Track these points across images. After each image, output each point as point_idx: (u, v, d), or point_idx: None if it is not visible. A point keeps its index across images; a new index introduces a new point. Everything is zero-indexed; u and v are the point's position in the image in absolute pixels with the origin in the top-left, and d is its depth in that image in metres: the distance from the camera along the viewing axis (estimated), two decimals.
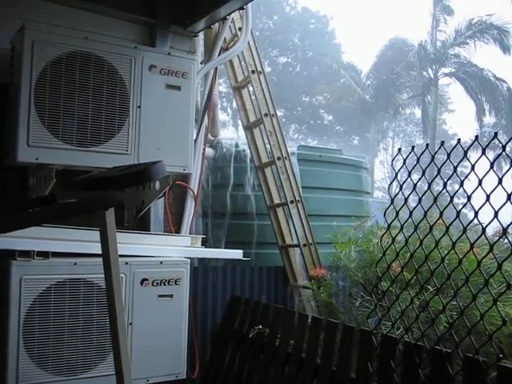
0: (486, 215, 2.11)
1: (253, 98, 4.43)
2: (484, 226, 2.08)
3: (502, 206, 1.91)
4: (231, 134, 30.34)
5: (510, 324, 2.63)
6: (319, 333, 2.94)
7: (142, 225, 3.39)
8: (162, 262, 2.96)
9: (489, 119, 28.56)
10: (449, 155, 2.15)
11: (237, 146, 4.81)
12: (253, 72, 4.28)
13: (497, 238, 2.24)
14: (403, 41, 29.49)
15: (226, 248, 4.38)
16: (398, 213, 2.52)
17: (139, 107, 3.02)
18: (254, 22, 4.34)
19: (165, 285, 2.95)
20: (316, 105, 36.23)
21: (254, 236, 4.65)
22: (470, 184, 2.13)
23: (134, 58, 3.02)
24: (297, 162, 4.73)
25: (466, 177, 2.14)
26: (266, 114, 4.25)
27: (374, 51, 31.06)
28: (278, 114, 4.41)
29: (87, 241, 2.72)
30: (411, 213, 2.44)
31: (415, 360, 2.31)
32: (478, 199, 2.09)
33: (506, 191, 1.90)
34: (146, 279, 2.89)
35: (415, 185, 2.38)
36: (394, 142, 39.73)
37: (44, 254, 2.64)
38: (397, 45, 29.55)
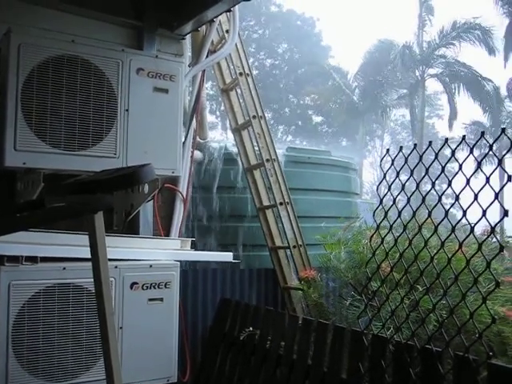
0: (473, 215, 2.12)
1: (241, 100, 4.43)
2: (472, 225, 2.10)
3: (489, 205, 1.92)
4: (220, 137, 30.33)
5: (499, 322, 2.66)
6: (310, 334, 2.95)
7: (131, 228, 3.38)
8: (151, 266, 2.95)
9: (478, 117, 28.93)
10: (436, 155, 2.16)
11: (225, 148, 4.82)
12: (240, 74, 4.29)
13: (485, 236, 2.25)
14: (390, 42, 29.64)
15: (215, 250, 4.38)
16: (386, 213, 2.53)
17: (127, 110, 3.01)
18: (241, 24, 4.35)
19: (155, 288, 2.94)
20: (304, 106, 36.29)
21: (243, 238, 4.65)
22: (458, 183, 2.15)
23: (121, 61, 3.01)
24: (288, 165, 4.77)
25: (454, 176, 2.15)
26: (254, 116, 4.26)
27: (361, 53, 31.21)
28: (266, 115, 4.42)
29: (76, 245, 2.71)
30: (400, 213, 2.45)
31: (406, 359, 2.32)
32: (465, 198, 2.11)
33: (494, 190, 1.92)
34: (136, 283, 2.88)
35: (403, 185, 2.39)
36: (383, 144, 39.92)
37: (33, 259, 2.62)
38: (383, 46, 29.68)
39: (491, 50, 26.57)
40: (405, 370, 2.31)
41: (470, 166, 2.13)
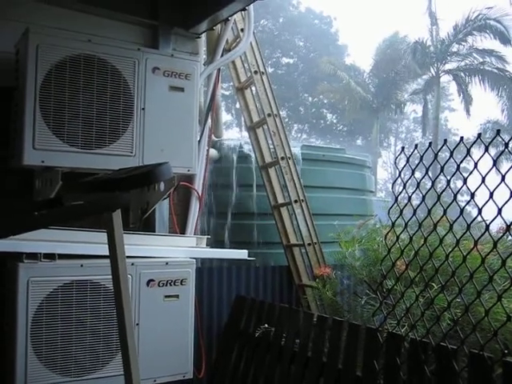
0: (489, 212, 2.11)
1: (256, 98, 4.45)
2: (488, 223, 2.09)
3: (505, 203, 1.92)
4: (235, 135, 30.39)
5: None
6: (325, 331, 2.96)
7: (147, 226, 3.41)
8: (167, 263, 2.98)
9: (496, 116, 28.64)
10: (452, 153, 2.16)
11: (240, 146, 4.84)
12: (255, 72, 4.30)
13: (501, 234, 2.25)
14: (403, 39, 29.51)
15: (230, 248, 4.40)
16: (401, 211, 2.53)
17: (143, 109, 3.04)
18: (258, 23, 4.38)
19: (171, 285, 2.97)
20: (319, 104, 36.23)
21: (259, 236, 4.68)
22: (473, 181, 2.14)
23: (137, 60, 3.03)
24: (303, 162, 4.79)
25: (469, 174, 2.14)
26: (269, 115, 4.27)
27: (376, 50, 31.01)
28: (281, 113, 4.44)
29: (93, 242, 2.74)
30: (415, 211, 2.45)
31: (421, 357, 2.32)
32: (481, 196, 2.10)
33: (510, 188, 1.91)
34: (152, 280, 2.91)
35: (418, 183, 2.39)
36: (397, 142, 39.76)
37: (51, 256, 2.66)
38: (397, 43, 29.55)
39: (505, 40, 26.15)
40: (420, 367, 2.31)
41: (488, 165, 2.12)
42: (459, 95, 28.17)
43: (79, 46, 2.89)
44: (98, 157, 2.91)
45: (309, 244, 4.19)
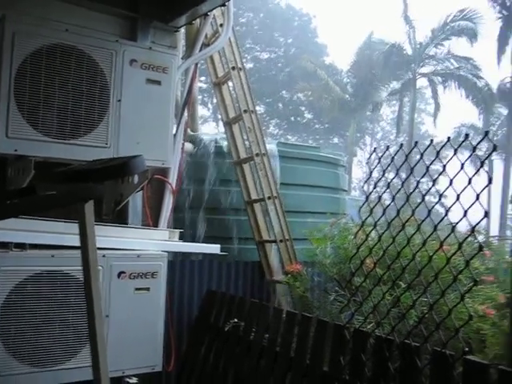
0: (460, 214, 2.17)
1: (233, 93, 4.46)
2: (454, 224, 2.15)
3: (470, 206, 1.98)
4: (212, 130, 30.32)
5: (478, 320, 2.72)
6: (294, 327, 2.99)
7: (120, 218, 3.40)
8: (139, 256, 2.98)
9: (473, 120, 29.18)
10: (421, 155, 2.21)
11: (216, 141, 4.85)
12: (233, 68, 4.32)
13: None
14: (381, 41, 29.79)
15: (203, 242, 4.41)
16: (371, 210, 2.58)
17: (119, 101, 3.03)
18: (238, 17, 4.39)
19: (142, 278, 2.97)
20: (296, 102, 36.34)
21: (232, 231, 4.70)
22: (447, 183, 2.20)
23: (115, 52, 3.02)
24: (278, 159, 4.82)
25: (438, 176, 2.20)
26: (245, 111, 4.29)
27: (354, 50, 31.30)
28: (259, 109, 4.47)
29: (65, 233, 2.73)
30: (384, 210, 2.50)
31: (385, 353, 2.37)
32: (452, 197, 2.16)
33: (475, 191, 1.97)
34: (123, 272, 2.91)
35: (389, 183, 2.44)
36: (373, 142, 40.11)
37: (21, 246, 2.64)
38: (375, 44, 29.83)
39: (473, 38, 26.64)
40: (384, 363, 2.36)
41: (465, 167, 2.17)
42: (433, 99, 28.70)
43: (56, 35, 2.87)
44: (72, 147, 2.89)
45: (281, 241, 4.22)
